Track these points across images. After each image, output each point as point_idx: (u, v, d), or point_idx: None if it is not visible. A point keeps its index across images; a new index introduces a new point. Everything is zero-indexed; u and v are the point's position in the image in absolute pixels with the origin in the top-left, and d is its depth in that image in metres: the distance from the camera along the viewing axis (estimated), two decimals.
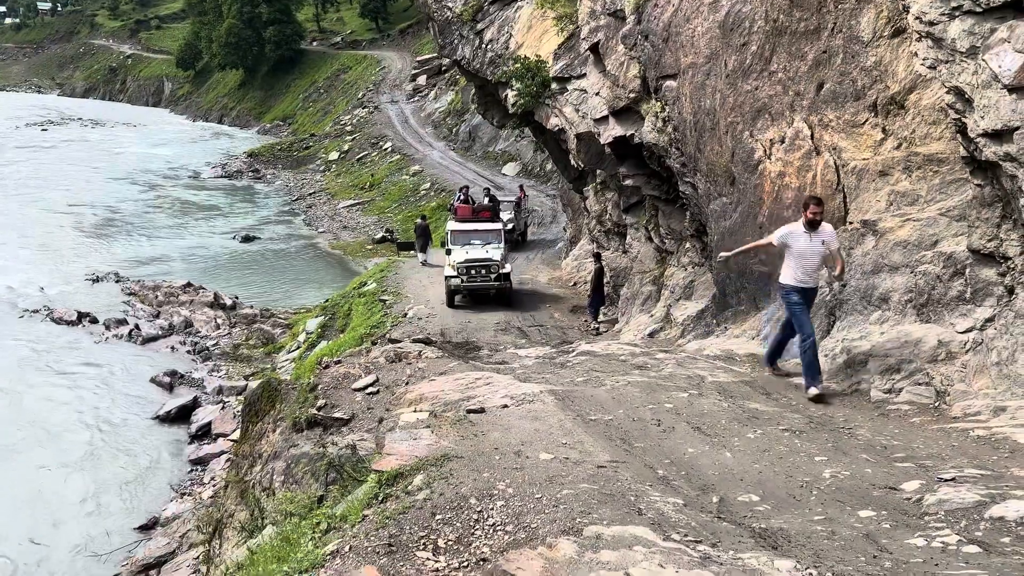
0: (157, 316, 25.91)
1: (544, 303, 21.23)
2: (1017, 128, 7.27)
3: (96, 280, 29.44)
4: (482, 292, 20.64)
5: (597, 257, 19.08)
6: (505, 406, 8.06)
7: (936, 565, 4.57)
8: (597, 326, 17.57)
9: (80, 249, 34.24)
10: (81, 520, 14.76)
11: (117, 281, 29.48)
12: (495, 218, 22.92)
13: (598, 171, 19.15)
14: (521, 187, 32.57)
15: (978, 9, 7.56)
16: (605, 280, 18.56)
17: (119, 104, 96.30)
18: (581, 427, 7.27)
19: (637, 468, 6.28)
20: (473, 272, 20.36)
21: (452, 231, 21.56)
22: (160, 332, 24.42)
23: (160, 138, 67.22)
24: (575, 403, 8.16)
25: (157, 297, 27.67)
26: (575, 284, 22.96)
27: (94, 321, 24.75)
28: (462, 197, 25.21)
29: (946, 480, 5.85)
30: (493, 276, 20.39)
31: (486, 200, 25.41)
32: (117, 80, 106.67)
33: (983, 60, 7.44)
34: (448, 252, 20.94)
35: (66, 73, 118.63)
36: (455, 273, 20.44)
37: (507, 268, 20.94)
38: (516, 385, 8.96)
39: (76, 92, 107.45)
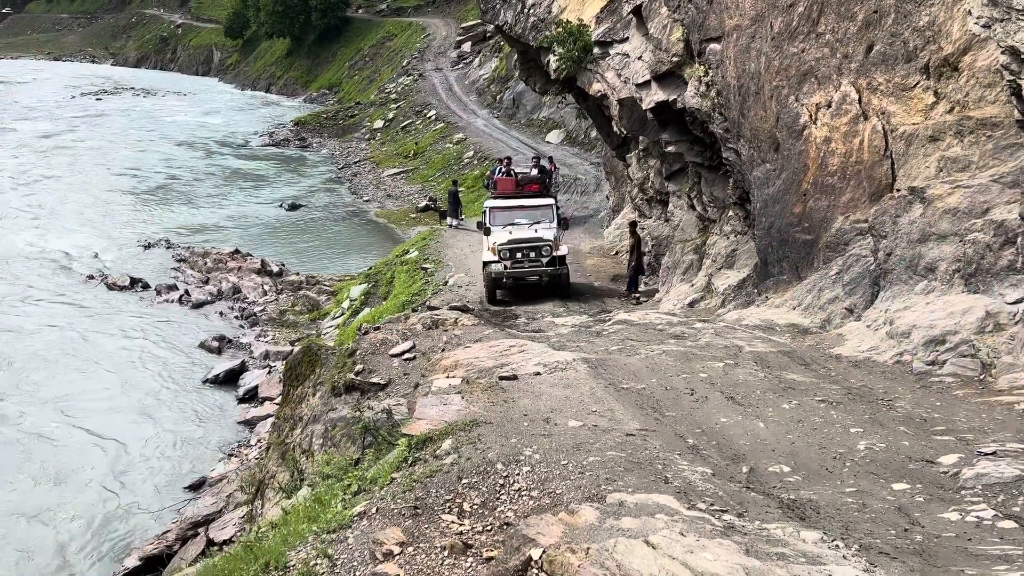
0: (206, 282, 26.44)
1: (584, 272, 21.09)
2: None
3: (147, 246, 30.11)
4: (531, 281, 16.71)
5: (633, 228, 18.53)
6: (538, 373, 8.08)
7: (969, 540, 4.47)
8: (638, 295, 17.42)
9: (132, 216, 35.04)
10: (133, 479, 15.29)
11: (167, 247, 30.12)
12: (545, 192, 18.84)
13: (640, 138, 18.83)
14: (551, 159, 29.11)
15: None
16: (645, 250, 18.28)
17: (170, 73, 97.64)
18: (612, 395, 7.25)
19: (667, 437, 6.25)
20: (519, 255, 16.43)
21: (491, 209, 17.68)
22: (209, 298, 24.94)
23: (209, 107, 68.11)
24: (608, 371, 8.14)
25: (206, 263, 28.21)
26: (617, 253, 22.73)
27: (146, 286, 25.36)
28: (503, 169, 21.02)
29: (986, 454, 5.70)
30: (545, 260, 16.42)
31: (534, 171, 20.73)
32: (168, 50, 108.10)
33: None
34: (487, 233, 17.18)
35: (119, 43, 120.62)
36: (496, 257, 16.53)
37: (563, 250, 16.95)
38: (550, 353, 8.96)
39: (129, 62, 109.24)
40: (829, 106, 10.82)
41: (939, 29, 9.39)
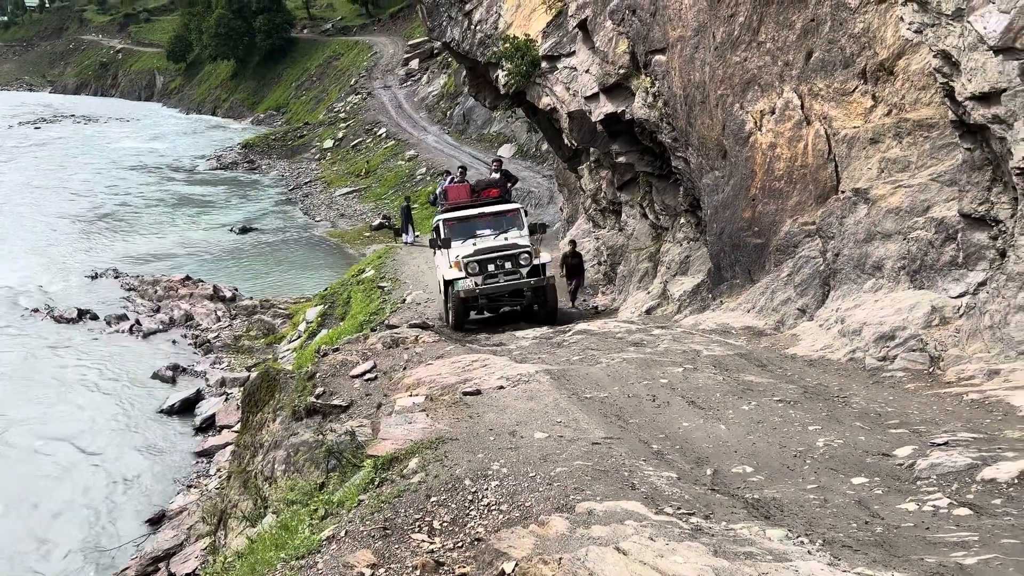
0: (157, 311, 25.92)
1: None
2: (1004, 90, 7.23)
3: (95, 277, 29.44)
4: (508, 301, 14.05)
5: (574, 248, 17.16)
6: (501, 387, 8.10)
7: (927, 529, 4.60)
8: (595, 306, 17.53)
9: (78, 246, 34.23)
10: (89, 516, 14.85)
11: (116, 277, 29.48)
12: (508, 197, 15.99)
13: (591, 149, 19.06)
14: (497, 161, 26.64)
15: None
16: (587, 265, 18.05)
17: (111, 99, 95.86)
18: (576, 405, 7.30)
19: (632, 444, 6.31)
20: (492, 268, 13.70)
21: (445, 221, 14.83)
22: (161, 326, 24.45)
23: (154, 132, 66.98)
24: (570, 382, 8.19)
25: (156, 292, 27.67)
26: None
27: (94, 318, 24.77)
28: (456, 179, 17.59)
29: (939, 444, 5.88)
30: (525, 271, 13.75)
31: (495, 174, 17.32)
32: (108, 75, 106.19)
33: (968, 22, 7.39)
34: (446, 246, 14.37)
35: (57, 70, 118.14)
36: (462, 273, 13.67)
37: (544, 258, 14.36)
38: (512, 366, 8.99)
39: (68, 89, 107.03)
40: (773, 112, 11.10)
41: (874, 35, 9.71)
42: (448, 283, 14.08)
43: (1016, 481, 4.99)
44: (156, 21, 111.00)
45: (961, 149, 8.35)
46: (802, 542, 4.35)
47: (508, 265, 13.74)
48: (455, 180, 17.39)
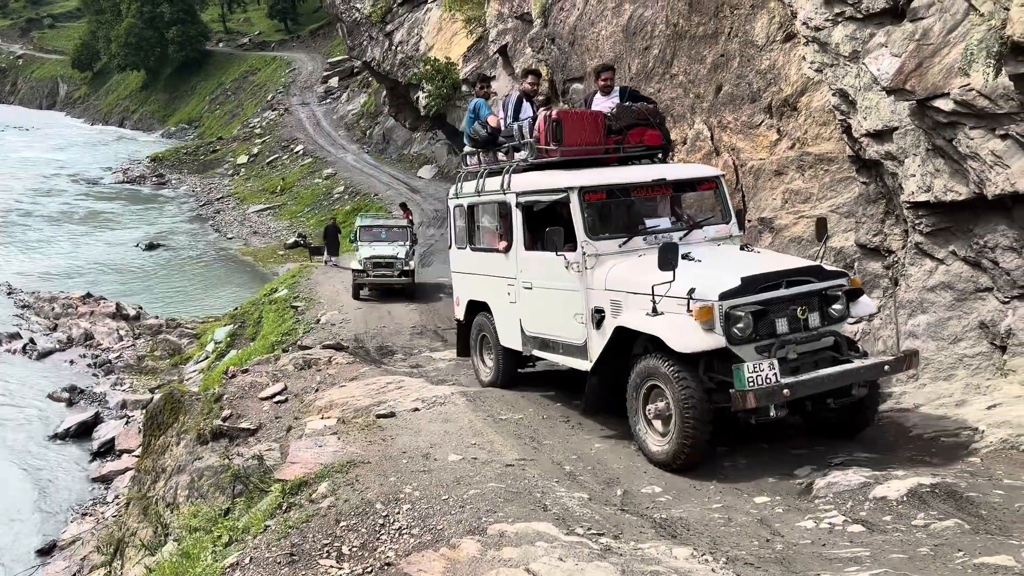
0: (54, 329, 24.66)
1: None
2: (896, 128, 7.69)
3: None
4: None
5: None
6: (416, 409, 8.03)
7: (823, 546, 4.79)
8: None
9: None
10: None
11: (9, 294, 27.93)
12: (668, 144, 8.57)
13: None
14: (404, 206, 23.30)
15: (859, 15, 7.97)
16: None
17: (10, 107, 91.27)
18: (491, 427, 7.30)
19: (545, 465, 6.35)
20: (786, 324, 6.15)
21: (585, 194, 7.06)
22: (58, 346, 23.26)
23: (56, 142, 64.05)
24: (486, 403, 8.19)
25: (54, 309, 26.35)
26: None
27: None
28: (512, 103, 8.86)
29: (836, 464, 6.14)
30: (837, 310, 6.45)
31: (599, 94, 8.68)
32: (7, 82, 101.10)
33: (864, 64, 7.84)
34: (668, 267, 6.06)
35: None
36: (717, 335, 5.96)
37: (869, 304, 7.01)
38: (428, 388, 8.93)
39: None
40: (685, 143, 11.47)
41: (779, 72, 10.19)
42: (696, 368, 6.16)
43: (904, 499, 5.25)
44: (61, 28, 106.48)
45: (858, 183, 8.82)
46: (707, 560, 4.46)
47: (815, 320, 6.36)
48: (531, 100, 8.87)
